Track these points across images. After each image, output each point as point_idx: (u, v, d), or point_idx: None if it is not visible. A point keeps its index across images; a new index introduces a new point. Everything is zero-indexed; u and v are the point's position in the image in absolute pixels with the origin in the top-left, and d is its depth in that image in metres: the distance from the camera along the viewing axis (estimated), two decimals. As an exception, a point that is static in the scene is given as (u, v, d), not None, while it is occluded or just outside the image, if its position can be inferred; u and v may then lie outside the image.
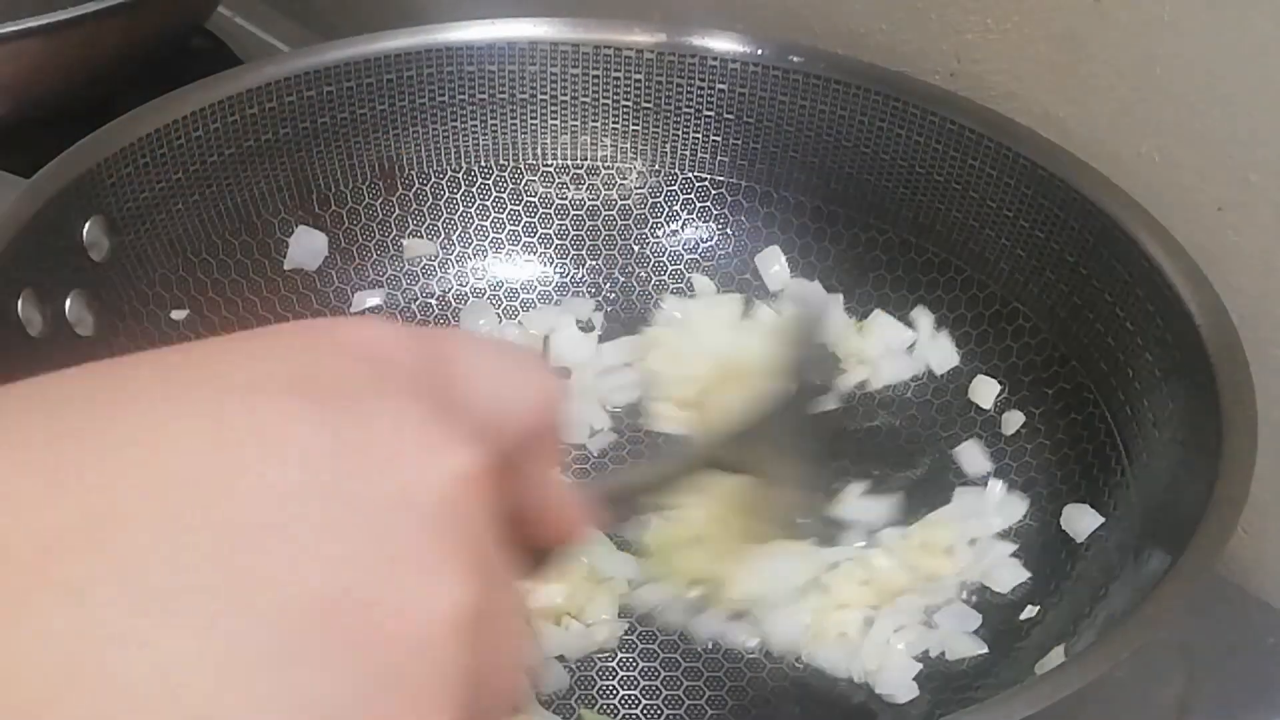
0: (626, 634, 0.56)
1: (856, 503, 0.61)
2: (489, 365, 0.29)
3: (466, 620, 0.23)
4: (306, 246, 0.68)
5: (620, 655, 0.55)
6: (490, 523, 0.26)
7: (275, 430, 0.23)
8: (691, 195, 0.72)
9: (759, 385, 0.50)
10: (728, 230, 0.71)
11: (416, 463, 0.24)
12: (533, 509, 0.31)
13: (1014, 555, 0.58)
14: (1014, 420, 0.62)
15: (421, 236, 0.70)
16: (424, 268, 0.71)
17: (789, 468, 0.50)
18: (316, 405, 0.24)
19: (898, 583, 0.57)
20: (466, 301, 0.71)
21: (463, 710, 0.23)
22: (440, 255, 0.71)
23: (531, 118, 0.71)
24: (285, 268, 0.67)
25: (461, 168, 0.71)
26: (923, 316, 0.66)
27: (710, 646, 0.55)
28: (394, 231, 0.70)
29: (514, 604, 0.27)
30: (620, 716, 0.53)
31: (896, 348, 0.67)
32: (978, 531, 0.59)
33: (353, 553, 0.23)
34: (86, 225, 0.59)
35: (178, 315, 0.64)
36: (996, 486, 0.60)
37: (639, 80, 0.70)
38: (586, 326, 0.69)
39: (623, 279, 0.72)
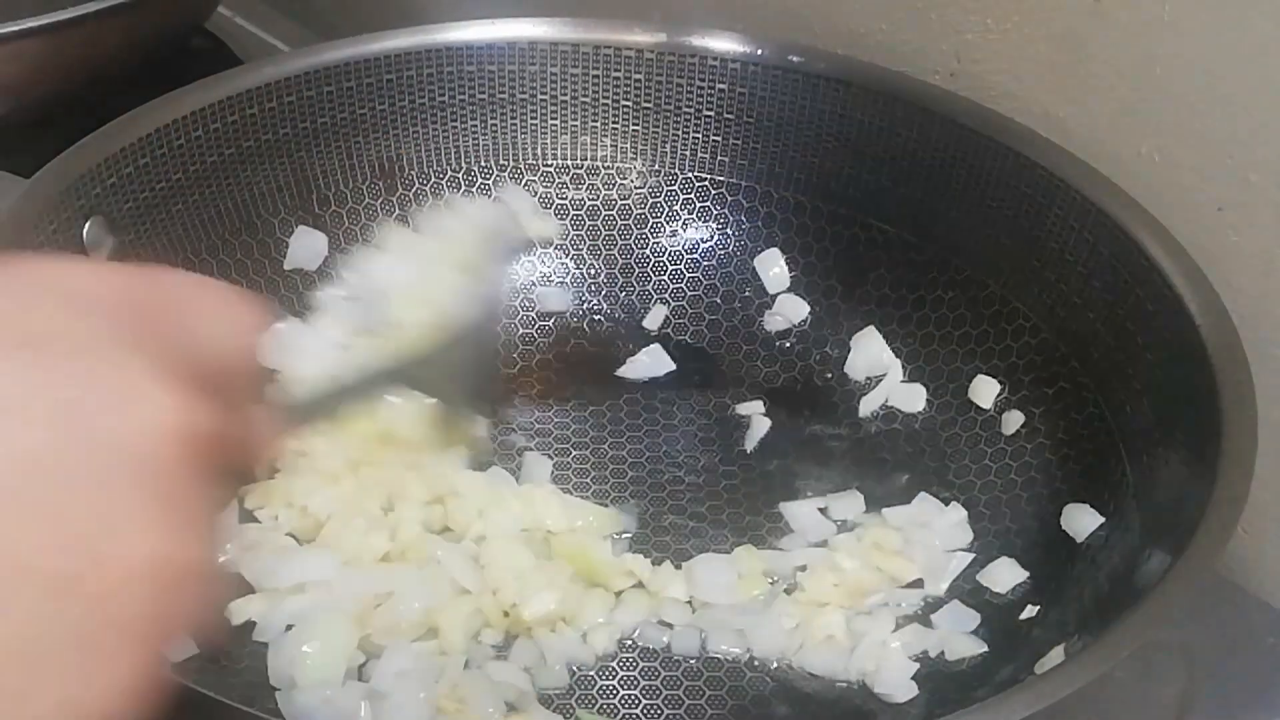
0: (624, 637, 0.56)
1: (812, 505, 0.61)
2: (194, 299, 0.31)
3: (156, 571, 0.25)
4: (307, 246, 0.68)
5: (620, 655, 0.55)
6: (191, 465, 0.27)
7: None
8: (691, 195, 0.71)
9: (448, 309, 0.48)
10: (728, 230, 0.71)
11: (119, 413, 0.25)
12: (232, 432, 0.31)
13: (1014, 555, 0.58)
14: (1014, 420, 0.62)
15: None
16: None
17: (462, 388, 0.49)
18: (19, 357, 0.25)
19: (867, 583, 0.57)
20: (466, 301, 0.71)
21: (147, 656, 0.25)
22: (440, 255, 0.71)
23: (531, 118, 0.71)
24: (285, 268, 0.67)
25: (461, 168, 0.71)
26: (894, 365, 0.66)
27: (698, 658, 0.55)
28: (394, 231, 0.70)
29: (205, 553, 0.28)
30: (620, 717, 0.53)
31: (876, 374, 0.67)
32: (927, 541, 0.59)
33: (54, 509, 0.24)
34: (86, 225, 0.59)
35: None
36: (956, 513, 0.60)
37: (639, 80, 0.70)
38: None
39: (622, 279, 0.72)
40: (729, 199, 0.71)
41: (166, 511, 0.25)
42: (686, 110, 0.70)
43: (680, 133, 0.71)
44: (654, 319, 0.71)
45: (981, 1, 0.65)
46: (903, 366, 0.67)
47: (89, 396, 0.25)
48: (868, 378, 0.67)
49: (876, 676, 0.54)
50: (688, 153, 0.71)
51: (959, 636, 0.55)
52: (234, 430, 0.31)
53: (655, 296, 0.71)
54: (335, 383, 0.42)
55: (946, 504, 0.61)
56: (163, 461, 0.26)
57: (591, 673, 0.54)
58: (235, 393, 0.31)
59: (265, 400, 0.36)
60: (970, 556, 0.59)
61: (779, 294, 0.70)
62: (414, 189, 0.70)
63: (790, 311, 0.69)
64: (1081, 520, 0.57)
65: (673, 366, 0.69)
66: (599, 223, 0.72)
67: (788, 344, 0.69)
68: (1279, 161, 0.57)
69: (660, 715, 0.53)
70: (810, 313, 0.69)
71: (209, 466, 0.28)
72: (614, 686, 0.54)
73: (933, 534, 0.59)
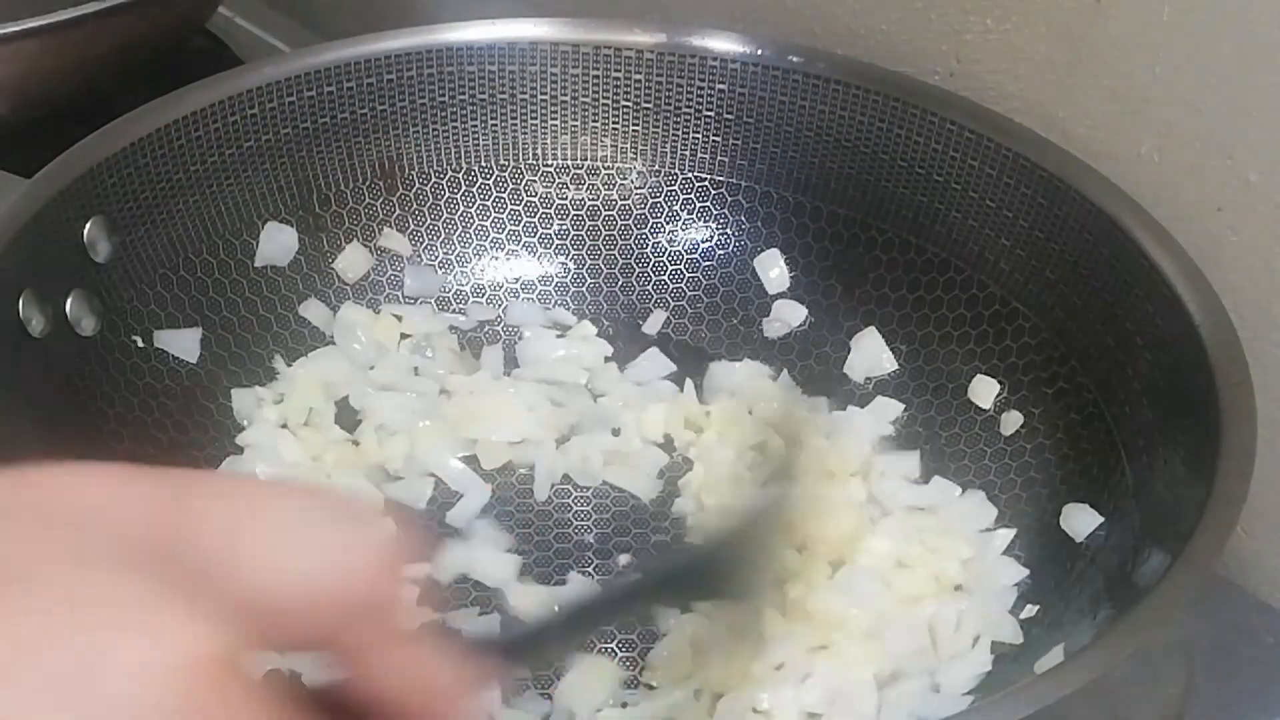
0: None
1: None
2: (265, 524, 0.24)
3: None
4: (277, 242, 0.67)
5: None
6: (247, 708, 0.22)
7: None
8: (691, 195, 0.71)
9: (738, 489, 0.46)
10: (727, 230, 0.71)
11: (128, 652, 0.21)
12: (389, 699, 0.26)
13: (1013, 555, 0.58)
14: (1014, 420, 0.62)
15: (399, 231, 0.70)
16: (423, 267, 0.71)
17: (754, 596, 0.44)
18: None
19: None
20: (467, 301, 0.71)
21: None
22: (441, 255, 0.71)
23: (531, 118, 0.71)
24: (256, 264, 0.67)
25: (461, 168, 0.71)
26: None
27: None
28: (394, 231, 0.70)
29: None
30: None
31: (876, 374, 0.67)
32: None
33: None
34: (86, 225, 0.59)
35: (177, 314, 0.64)
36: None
37: (639, 80, 0.70)
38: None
39: (622, 279, 0.72)
40: (729, 199, 0.71)
41: None
42: (686, 110, 0.70)
43: (680, 133, 0.71)
44: (654, 321, 0.71)
45: (981, 1, 0.65)
46: (901, 367, 0.67)
47: (71, 631, 0.20)
48: (867, 378, 0.67)
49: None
50: (688, 153, 0.71)
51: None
52: (385, 688, 0.26)
53: (655, 297, 0.71)
54: (551, 616, 0.35)
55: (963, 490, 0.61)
56: (197, 704, 0.21)
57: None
58: (370, 647, 0.25)
59: (437, 644, 0.27)
60: (1012, 532, 0.59)
61: (777, 300, 0.70)
62: (414, 189, 0.70)
63: (788, 316, 0.69)
64: (1081, 520, 0.57)
65: (674, 368, 0.68)
66: (599, 223, 0.72)
67: (788, 345, 0.69)
68: (1279, 161, 0.57)
69: None
70: (809, 314, 0.69)
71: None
72: None
73: (959, 516, 0.60)
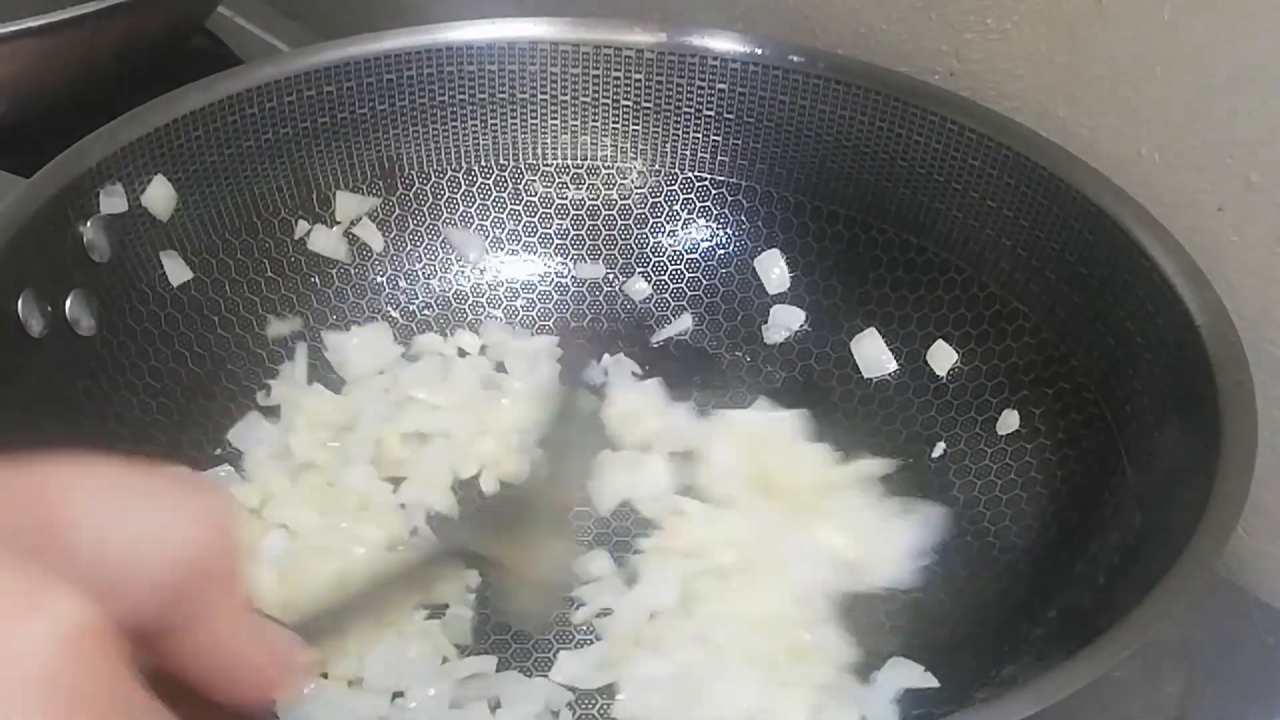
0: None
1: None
2: (108, 504, 0.25)
3: None
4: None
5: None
6: (121, 679, 0.22)
7: None
8: (691, 195, 0.71)
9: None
10: (728, 230, 0.71)
11: (8, 634, 0.21)
12: (220, 665, 0.27)
13: (1013, 555, 0.58)
14: (1013, 420, 0.62)
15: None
16: (424, 268, 0.71)
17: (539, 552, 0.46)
18: None
19: None
20: (467, 301, 0.71)
21: None
22: (441, 255, 0.71)
23: (531, 118, 0.71)
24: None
25: (461, 168, 0.71)
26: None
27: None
28: (394, 231, 0.70)
29: None
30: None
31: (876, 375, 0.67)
32: None
33: None
34: (86, 225, 0.59)
35: (177, 314, 0.64)
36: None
37: (639, 80, 0.70)
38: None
39: (622, 279, 0.72)
40: (729, 199, 0.71)
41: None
42: (686, 110, 0.70)
43: (680, 133, 0.71)
44: (654, 322, 0.71)
45: (981, 1, 0.65)
46: (901, 367, 0.67)
47: None
48: (867, 379, 0.67)
49: None
50: (688, 153, 0.71)
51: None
52: (218, 655, 0.26)
53: (655, 297, 0.71)
54: (344, 593, 0.36)
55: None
56: (70, 681, 0.21)
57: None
58: (206, 614, 0.26)
59: (258, 615, 0.28)
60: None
61: (775, 305, 0.70)
62: (414, 189, 0.70)
63: (787, 320, 0.69)
64: (1078, 514, 0.57)
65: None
66: (599, 223, 0.72)
67: (788, 345, 0.69)
68: (1279, 161, 0.57)
69: None
70: (809, 314, 0.69)
71: (186, 698, 0.24)
72: None
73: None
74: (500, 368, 0.68)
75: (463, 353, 0.69)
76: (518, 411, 0.65)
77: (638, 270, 0.72)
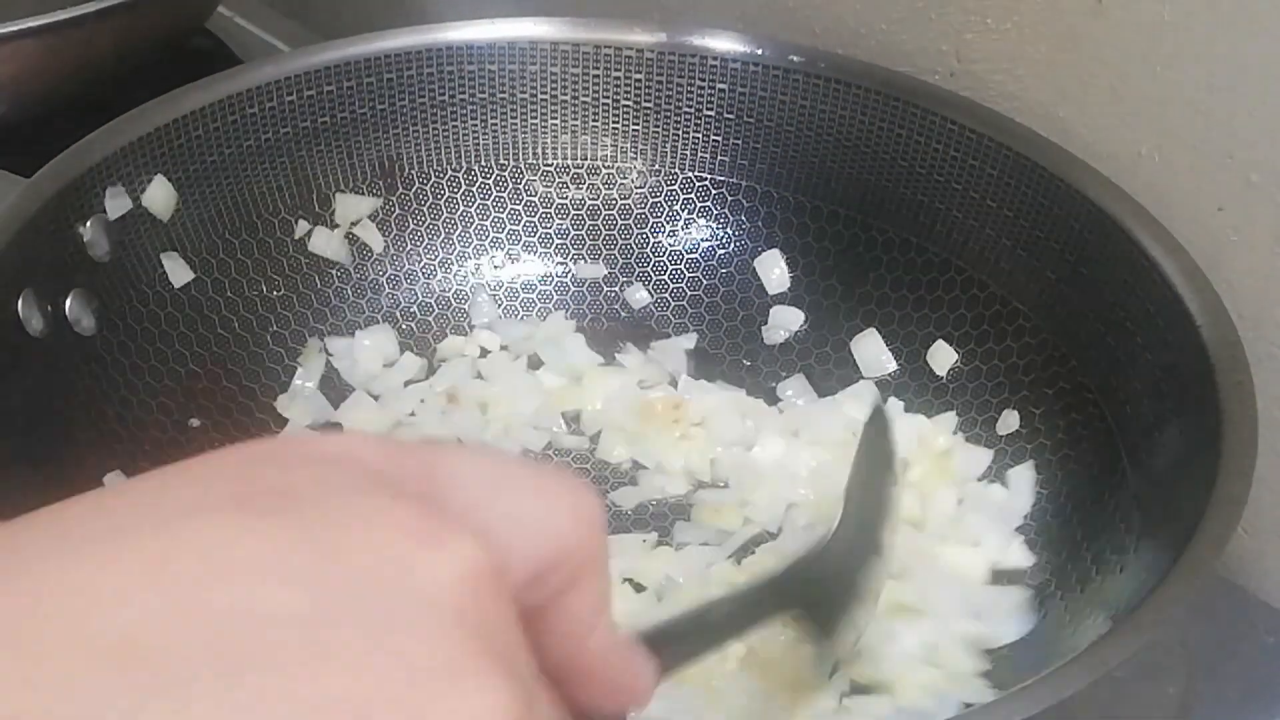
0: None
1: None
2: (491, 482, 0.25)
3: None
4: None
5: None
6: (515, 628, 0.23)
7: (221, 553, 0.21)
8: (691, 195, 0.71)
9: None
10: (728, 230, 0.71)
11: (415, 561, 0.22)
12: (572, 666, 0.27)
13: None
14: (1013, 420, 0.62)
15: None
16: (424, 267, 0.71)
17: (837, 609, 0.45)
18: (266, 517, 0.22)
19: None
20: (467, 301, 0.71)
21: None
22: (441, 255, 0.71)
23: (531, 118, 0.71)
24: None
25: (461, 167, 0.71)
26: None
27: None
28: (394, 231, 0.70)
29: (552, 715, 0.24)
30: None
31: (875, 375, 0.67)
32: None
33: (369, 675, 0.20)
34: (86, 225, 0.59)
35: (177, 314, 0.64)
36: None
37: (639, 80, 0.70)
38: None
39: (622, 278, 0.72)
40: (729, 199, 0.71)
41: (505, 665, 0.22)
42: (686, 110, 0.70)
43: (680, 133, 0.71)
44: (653, 321, 0.71)
45: (981, 1, 0.65)
46: (901, 367, 0.67)
47: (355, 546, 0.21)
48: (867, 379, 0.67)
49: None
50: (688, 153, 0.71)
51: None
52: (571, 654, 0.26)
53: (655, 296, 0.71)
54: (706, 606, 0.35)
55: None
56: (482, 609, 0.22)
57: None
58: (564, 608, 0.26)
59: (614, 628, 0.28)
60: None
61: (775, 305, 0.70)
62: (414, 189, 0.70)
63: (786, 321, 0.69)
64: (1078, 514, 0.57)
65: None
66: (599, 223, 0.72)
67: (788, 345, 0.69)
68: (1279, 161, 0.57)
69: None
70: (809, 315, 0.69)
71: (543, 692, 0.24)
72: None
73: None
74: (535, 360, 0.69)
75: (484, 351, 0.69)
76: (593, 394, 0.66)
77: (637, 271, 0.72)
